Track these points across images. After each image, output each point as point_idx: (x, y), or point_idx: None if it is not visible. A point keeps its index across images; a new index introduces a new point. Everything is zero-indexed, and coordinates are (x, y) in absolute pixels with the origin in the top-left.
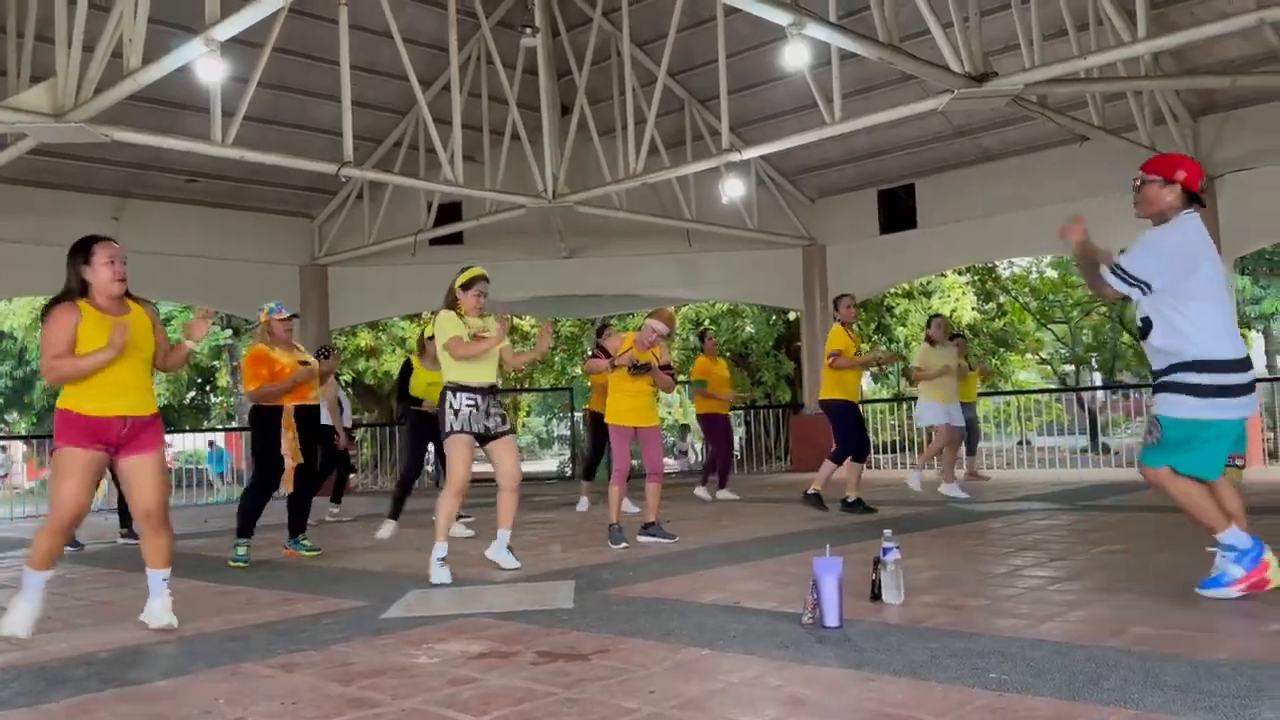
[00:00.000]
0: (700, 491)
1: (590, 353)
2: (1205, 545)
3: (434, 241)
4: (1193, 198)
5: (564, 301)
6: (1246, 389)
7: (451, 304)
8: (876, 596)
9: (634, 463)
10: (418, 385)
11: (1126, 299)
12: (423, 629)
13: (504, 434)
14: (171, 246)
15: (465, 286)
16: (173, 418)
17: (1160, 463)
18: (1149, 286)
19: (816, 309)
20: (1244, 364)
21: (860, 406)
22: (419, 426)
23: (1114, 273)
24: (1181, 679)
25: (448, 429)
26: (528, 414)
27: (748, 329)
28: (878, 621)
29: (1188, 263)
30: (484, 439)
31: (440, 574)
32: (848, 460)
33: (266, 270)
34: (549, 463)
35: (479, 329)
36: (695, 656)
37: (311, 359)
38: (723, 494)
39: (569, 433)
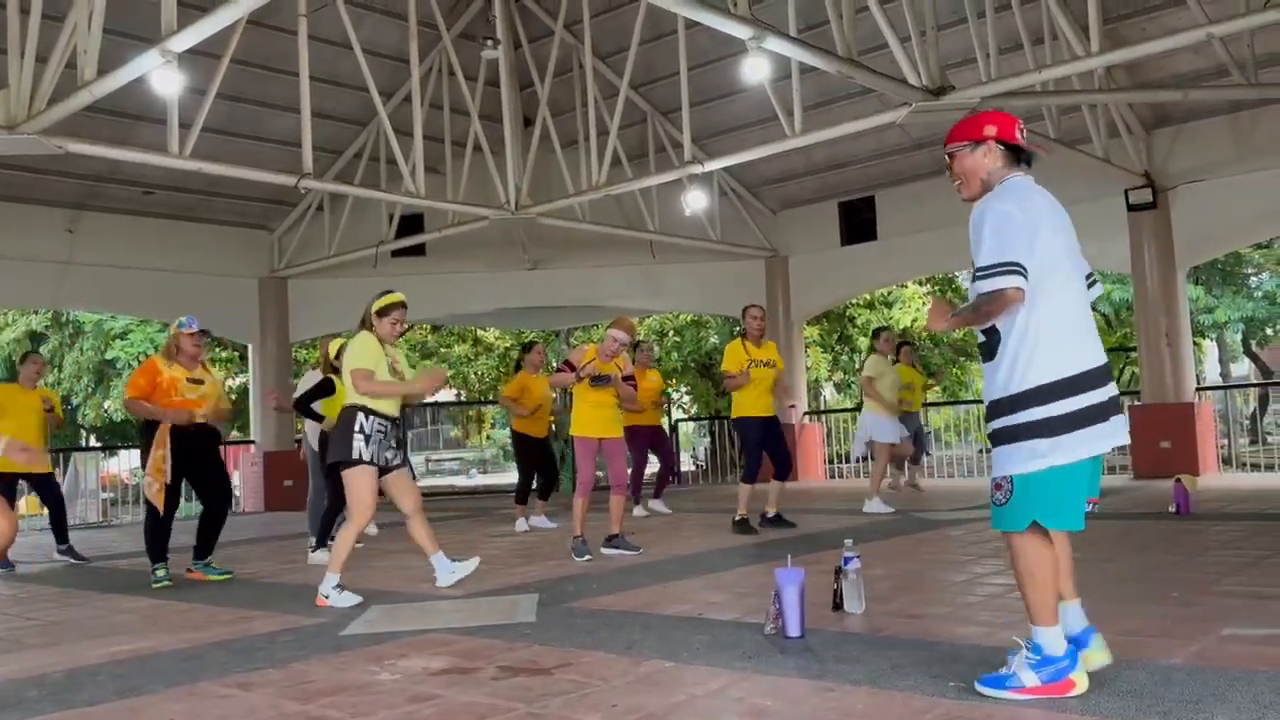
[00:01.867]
0: (636, 510)
1: (556, 366)
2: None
3: (396, 253)
4: (1017, 152)
5: (527, 313)
6: (1110, 408)
7: (367, 327)
8: (838, 606)
9: (598, 474)
10: (334, 406)
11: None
12: (383, 645)
13: (398, 467)
14: (128, 260)
15: (381, 313)
16: (131, 433)
17: (1024, 522)
18: (1026, 270)
19: (779, 320)
20: (1102, 374)
21: (777, 418)
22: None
23: (990, 274)
24: (1137, 685)
25: (354, 455)
26: (492, 426)
27: (712, 339)
28: (839, 631)
29: (1025, 236)
30: (382, 472)
31: (344, 598)
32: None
33: (225, 283)
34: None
35: (393, 358)
36: (658, 669)
37: (209, 383)
38: (654, 504)
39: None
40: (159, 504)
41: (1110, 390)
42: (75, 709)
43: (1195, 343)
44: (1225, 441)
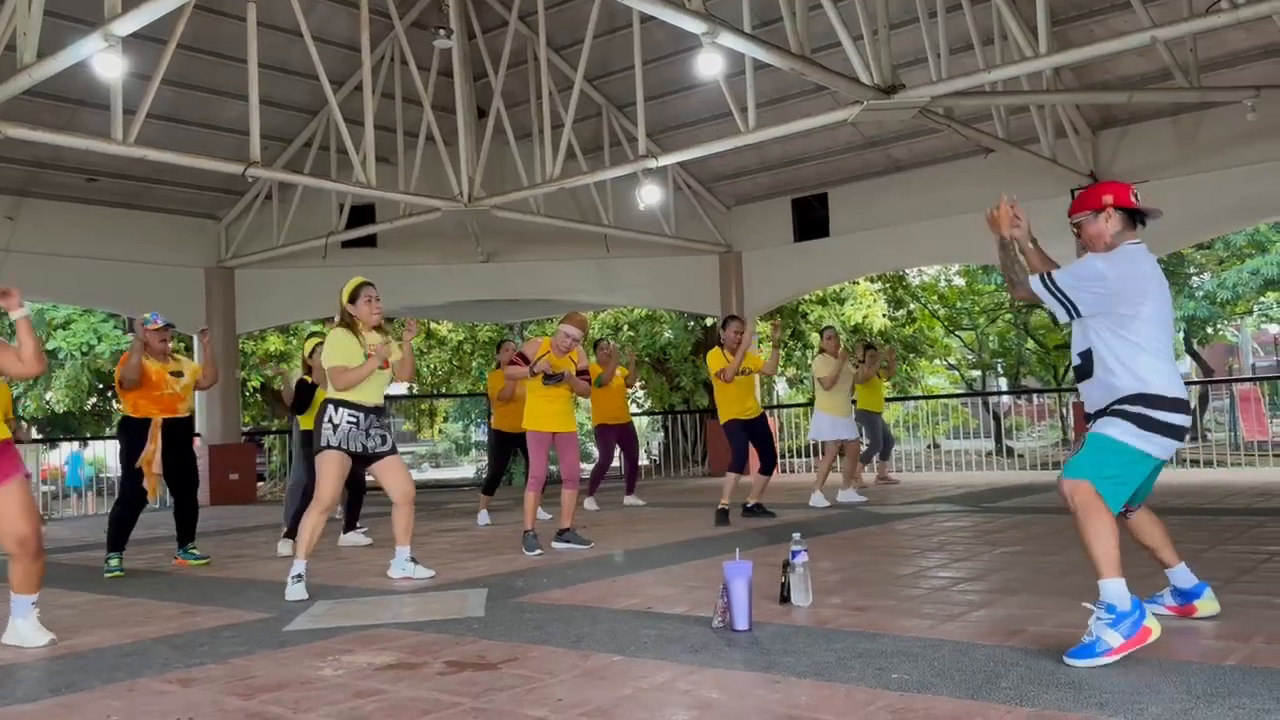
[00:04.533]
0: (588, 503)
1: (498, 362)
2: (1082, 603)
3: (346, 244)
4: (1133, 214)
5: (480, 306)
6: (1184, 433)
7: (347, 321)
8: (785, 599)
9: (552, 468)
10: (317, 402)
11: (1039, 307)
12: (328, 640)
13: (386, 454)
14: (71, 248)
15: (352, 299)
16: (73, 425)
17: (1083, 474)
18: (1076, 310)
19: None
20: (1188, 406)
21: (763, 417)
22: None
23: (1042, 281)
24: (1075, 677)
25: (323, 443)
26: (445, 420)
27: (666, 334)
28: (786, 624)
29: (1133, 294)
30: (366, 459)
31: (295, 590)
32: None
33: (171, 273)
34: (466, 469)
35: (376, 345)
36: (605, 663)
37: (187, 371)
38: (629, 499)
39: (486, 439)
40: (154, 493)
41: (1186, 420)
42: (9, 706)
43: None
44: None
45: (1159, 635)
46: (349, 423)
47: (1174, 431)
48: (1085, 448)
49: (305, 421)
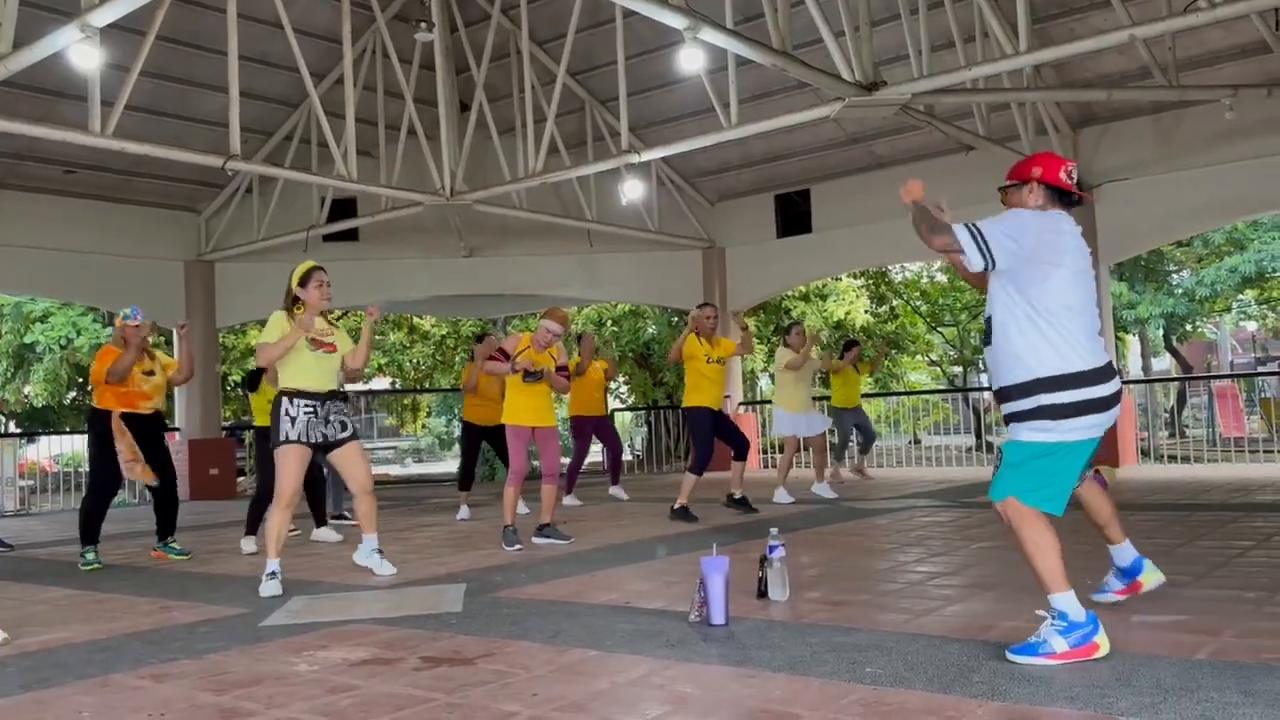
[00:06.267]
0: (568, 500)
1: (471, 352)
2: (1035, 609)
3: (327, 238)
4: (1062, 195)
5: (463, 301)
6: (1108, 402)
7: (292, 304)
8: (763, 594)
9: (534, 463)
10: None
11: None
12: (304, 636)
13: (346, 440)
14: (49, 241)
15: (303, 282)
16: (52, 419)
17: (1005, 492)
18: (994, 261)
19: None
20: (1104, 373)
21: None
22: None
23: (966, 226)
24: (1047, 671)
25: (281, 438)
26: (428, 414)
27: (649, 330)
28: (763, 618)
29: (1050, 252)
30: (326, 448)
31: (269, 587)
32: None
33: (150, 266)
34: (449, 464)
35: (321, 332)
36: (582, 658)
37: (159, 370)
38: (614, 490)
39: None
40: (150, 479)
41: (1106, 388)
42: None
43: (1119, 337)
44: (1145, 434)
45: (1107, 652)
46: (306, 413)
47: (1089, 407)
48: (1001, 462)
49: (260, 418)
